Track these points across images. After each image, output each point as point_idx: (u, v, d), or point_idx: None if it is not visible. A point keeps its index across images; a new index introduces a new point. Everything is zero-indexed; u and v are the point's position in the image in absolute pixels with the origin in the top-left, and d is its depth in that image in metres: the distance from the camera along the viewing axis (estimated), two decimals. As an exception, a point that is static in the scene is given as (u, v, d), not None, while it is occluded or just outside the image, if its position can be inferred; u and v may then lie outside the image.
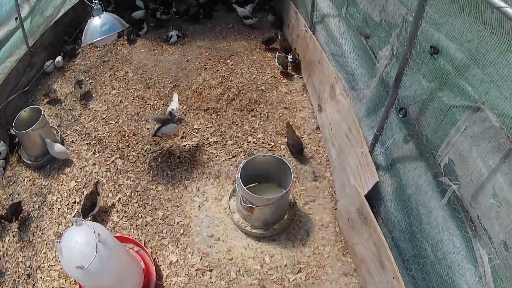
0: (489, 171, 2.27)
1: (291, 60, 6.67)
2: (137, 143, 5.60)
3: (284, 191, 4.03)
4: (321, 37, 6.03)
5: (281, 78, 6.65)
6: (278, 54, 6.81)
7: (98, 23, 4.35)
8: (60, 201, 4.80)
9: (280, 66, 6.62)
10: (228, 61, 7.04)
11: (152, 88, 6.51)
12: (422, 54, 3.05)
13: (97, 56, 7.34)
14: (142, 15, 8.18)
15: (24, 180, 5.09)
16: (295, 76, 6.73)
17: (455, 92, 2.59)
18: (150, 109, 6.13)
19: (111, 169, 5.17)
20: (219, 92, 6.33)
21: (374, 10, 4.15)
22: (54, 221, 4.60)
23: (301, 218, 4.57)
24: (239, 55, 7.19)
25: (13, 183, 5.06)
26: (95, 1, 4.36)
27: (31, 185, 5.02)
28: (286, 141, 5.35)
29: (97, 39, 4.35)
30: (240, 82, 6.54)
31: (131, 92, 6.44)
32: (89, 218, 4.44)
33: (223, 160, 5.27)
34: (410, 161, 3.33)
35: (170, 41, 7.54)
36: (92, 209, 4.44)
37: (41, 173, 5.16)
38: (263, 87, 6.45)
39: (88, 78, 6.67)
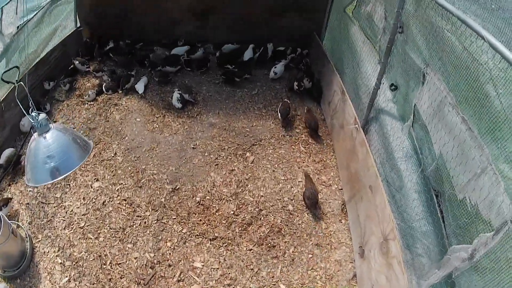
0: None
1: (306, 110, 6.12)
2: (121, 278, 4.24)
3: None
4: (374, 146, 4.50)
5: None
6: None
7: (41, 155, 2.83)
8: None
9: (279, 115, 5.87)
10: (248, 154, 5.49)
11: (145, 188, 5.04)
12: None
13: (83, 117, 5.92)
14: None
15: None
16: (333, 187, 5.18)
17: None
18: (140, 224, 4.70)
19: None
20: (232, 211, 4.84)
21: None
22: None
23: None
24: (263, 145, 5.63)
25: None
26: (34, 112, 2.84)
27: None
28: (304, 191, 4.96)
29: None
30: (262, 196, 5.02)
31: (118, 190, 5.00)
32: None
33: None
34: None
35: (173, 103, 6.08)
36: None
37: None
38: (290, 207, 4.93)
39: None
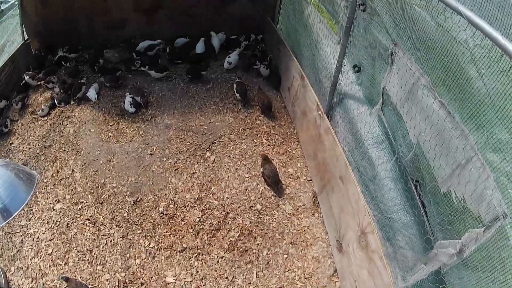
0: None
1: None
2: (96, 303, 3.84)
3: None
4: (341, 134, 4.26)
5: (283, 187, 4.80)
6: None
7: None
8: None
9: (238, 95, 5.70)
10: (208, 154, 5.11)
11: (106, 204, 4.59)
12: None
13: (38, 135, 5.36)
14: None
15: None
16: (301, 179, 4.91)
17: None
18: (106, 243, 4.27)
19: None
20: (198, 217, 4.48)
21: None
22: None
23: None
24: (223, 142, 5.26)
25: None
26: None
27: None
28: (262, 171, 4.81)
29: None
30: (227, 197, 4.68)
31: (80, 209, 4.54)
32: None
33: None
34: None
35: (126, 108, 5.63)
36: None
37: None
38: (259, 206, 4.62)
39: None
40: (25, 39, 6.30)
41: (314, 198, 4.71)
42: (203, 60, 6.44)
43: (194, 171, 4.90)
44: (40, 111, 5.60)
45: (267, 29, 7.08)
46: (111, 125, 5.46)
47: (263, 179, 4.83)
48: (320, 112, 4.53)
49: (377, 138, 3.77)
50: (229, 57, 6.51)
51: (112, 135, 5.33)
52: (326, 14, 5.00)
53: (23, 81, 6.03)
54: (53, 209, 4.54)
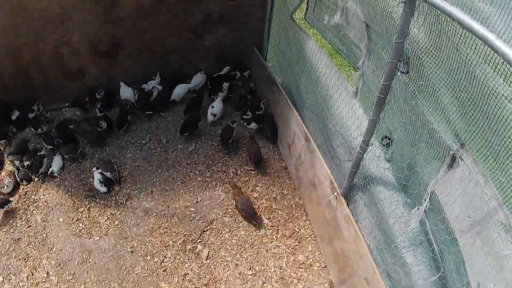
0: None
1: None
2: None
3: None
4: (366, 225, 3.49)
5: (295, 282, 3.96)
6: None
7: None
8: None
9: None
10: (200, 247, 4.21)
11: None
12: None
13: (5, 223, 4.42)
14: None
15: None
16: (315, 267, 4.08)
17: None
18: None
19: None
20: None
21: None
22: None
23: None
24: (216, 228, 4.37)
25: None
26: None
27: None
28: (235, 204, 4.46)
29: None
30: (230, 309, 3.79)
31: None
32: None
33: None
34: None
35: (96, 187, 4.69)
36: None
37: None
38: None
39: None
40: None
41: (332, 289, 3.89)
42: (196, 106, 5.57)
43: (186, 271, 4.00)
44: (4, 187, 4.64)
45: (254, 62, 6.06)
46: (81, 212, 4.51)
47: (270, 277, 3.97)
48: (336, 194, 3.69)
49: (415, 240, 2.97)
50: (212, 107, 5.50)
51: (83, 226, 4.39)
52: (332, 51, 4.16)
53: None
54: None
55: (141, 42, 5.47)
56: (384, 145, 3.27)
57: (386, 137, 3.22)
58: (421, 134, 2.62)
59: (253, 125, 5.35)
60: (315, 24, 4.49)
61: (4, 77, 5.24)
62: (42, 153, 4.94)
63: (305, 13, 4.62)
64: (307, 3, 4.48)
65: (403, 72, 2.60)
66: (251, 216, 4.36)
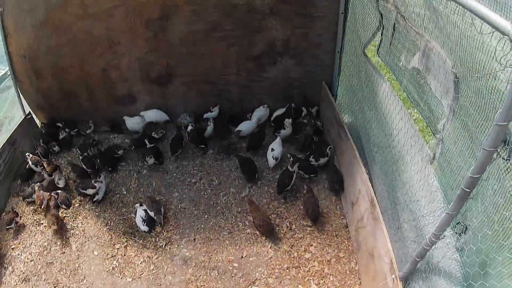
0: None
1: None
2: None
3: None
4: None
5: None
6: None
7: None
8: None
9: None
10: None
11: None
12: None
13: (39, 245, 4.33)
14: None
15: None
16: None
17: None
18: None
19: None
20: None
21: None
22: None
23: None
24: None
25: None
26: None
27: None
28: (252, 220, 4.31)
29: None
30: None
31: None
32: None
33: None
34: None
35: (138, 225, 4.44)
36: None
37: None
38: None
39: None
40: (26, 113, 5.36)
41: None
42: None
43: (215, 334, 3.50)
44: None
45: (322, 98, 5.56)
46: (117, 249, 4.26)
47: None
48: (394, 276, 3.03)
49: None
50: (273, 149, 5.04)
51: (117, 264, 4.11)
52: (406, 100, 3.57)
53: (27, 166, 5.06)
54: None
55: (196, 70, 5.29)
56: (456, 232, 2.58)
57: (460, 223, 2.53)
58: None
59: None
60: (389, 63, 3.86)
61: (51, 97, 5.30)
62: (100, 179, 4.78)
63: (378, 47, 4.02)
64: (381, 34, 3.90)
65: (504, 159, 1.96)
66: (269, 232, 4.24)
